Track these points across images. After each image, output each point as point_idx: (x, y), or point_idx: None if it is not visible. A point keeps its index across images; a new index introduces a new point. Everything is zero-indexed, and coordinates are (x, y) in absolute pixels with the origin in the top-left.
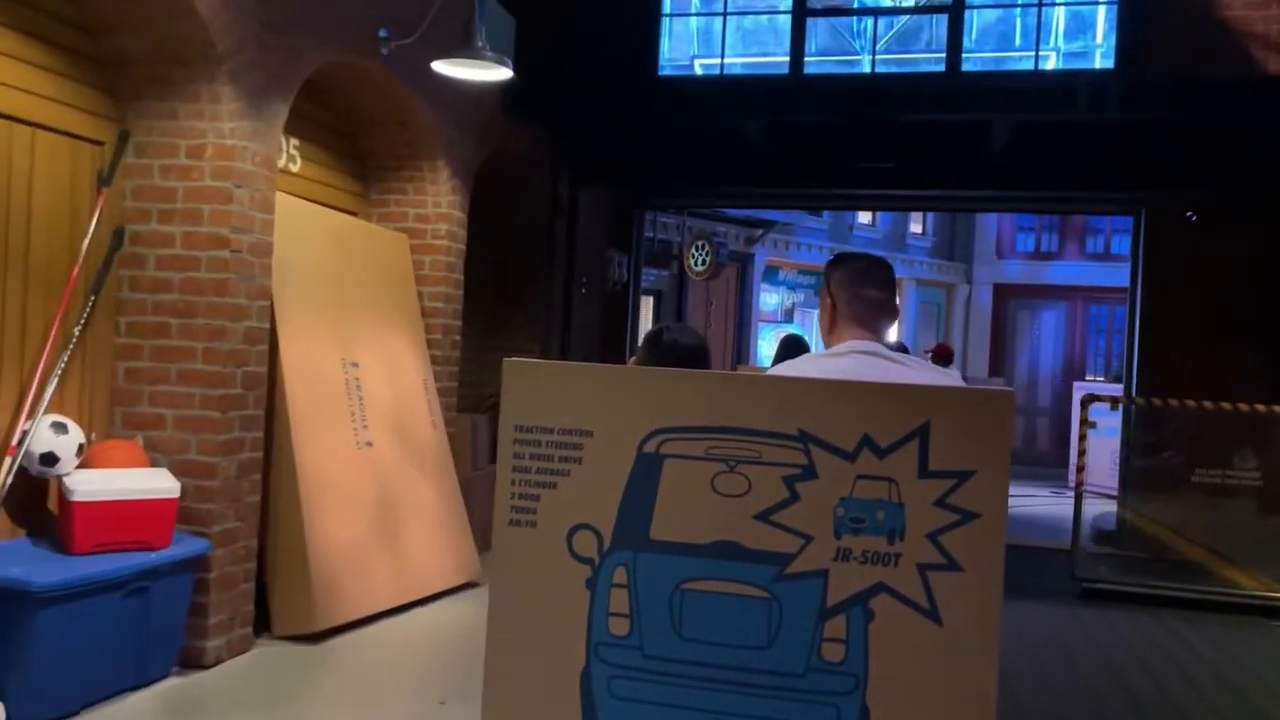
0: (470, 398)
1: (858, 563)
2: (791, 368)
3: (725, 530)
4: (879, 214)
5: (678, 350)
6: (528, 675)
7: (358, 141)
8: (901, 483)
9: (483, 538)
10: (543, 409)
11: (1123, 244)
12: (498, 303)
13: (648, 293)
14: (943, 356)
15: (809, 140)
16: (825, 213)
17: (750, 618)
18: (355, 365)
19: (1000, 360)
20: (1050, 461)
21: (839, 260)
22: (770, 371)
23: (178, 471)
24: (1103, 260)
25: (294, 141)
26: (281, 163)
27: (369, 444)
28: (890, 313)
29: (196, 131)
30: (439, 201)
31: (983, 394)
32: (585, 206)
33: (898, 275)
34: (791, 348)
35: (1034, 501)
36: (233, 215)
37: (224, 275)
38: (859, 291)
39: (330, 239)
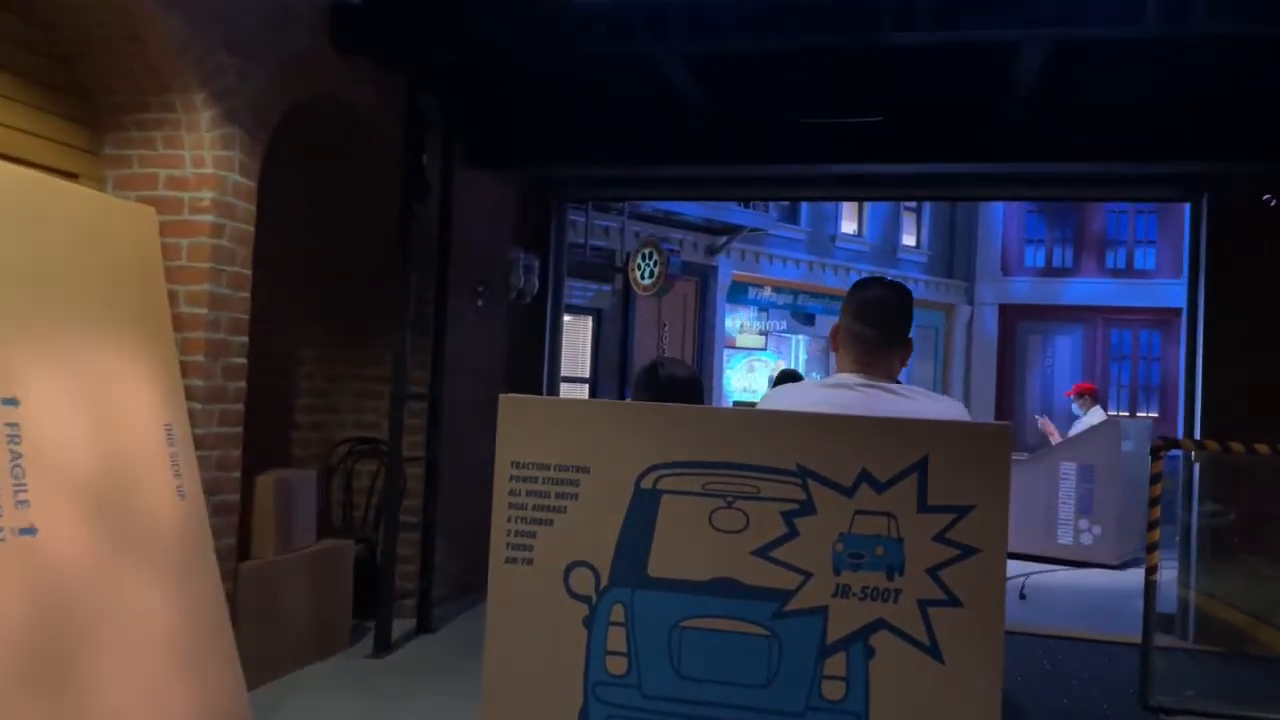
0: (312, 445)
1: (857, 599)
2: (779, 395)
3: (723, 567)
4: (866, 221)
5: (675, 385)
6: (525, 716)
7: (78, 69)
8: (900, 518)
9: (306, 641)
10: (539, 445)
11: (1147, 257)
12: (356, 318)
13: (584, 311)
14: (1086, 394)
15: (768, 88)
16: (803, 220)
17: (750, 656)
18: (13, 402)
19: (1008, 393)
20: None
21: (854, 287)
22: (762, 402)
23: None
24: (1124, 277)
25: None
26: None
27: (26, 530)
28: (885, 348)
29: None
30: (200, 157)
31: (980, 428)
32: (475, 190)
33: None
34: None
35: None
36: None
37: None
38: (853, 327)
39: None
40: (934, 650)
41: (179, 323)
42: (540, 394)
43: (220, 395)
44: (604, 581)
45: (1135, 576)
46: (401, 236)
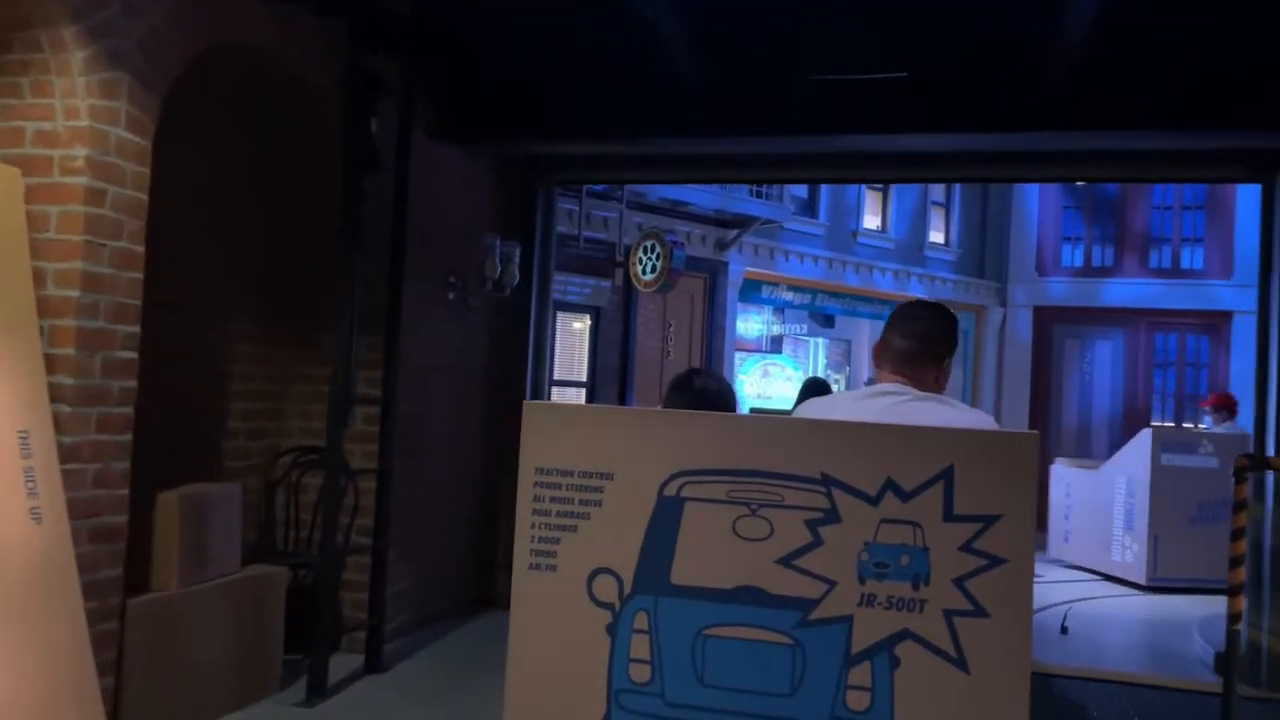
0: (252, 455)
1: (883, 608)
2: (811, 408)
3: (747, 575)
4: (890, 216)
5: (708, 396)
6: None
7: None
8: (926, 527)
9: (222, 686)
10: (563, 451)
11: (1195, 256)
12: (307, 312)
13: (581, 309)
14: (1223, 407)
15: (773, 40)
16: (822, 213)
17: (773, 665)
18: None
19: (1043, 401)
20: None
21: (899, 306)
22: (795, 412)
23: None
24: (1169, 277)
25: None
26: None
27: None
28: (920, 362)
29: None
30: (73, 107)
31: (1007, 437)
32: (444, 167)
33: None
34: (814, 393)
35: (1094, 588)
36: None
37: None
38: (890, 339)
39: None
40: (960, 661)
41: (45, 308)
42: (523, 398)
43: (99, 396)
44: (627, 589)
45: (1184, 605)
46: (346, 215)
